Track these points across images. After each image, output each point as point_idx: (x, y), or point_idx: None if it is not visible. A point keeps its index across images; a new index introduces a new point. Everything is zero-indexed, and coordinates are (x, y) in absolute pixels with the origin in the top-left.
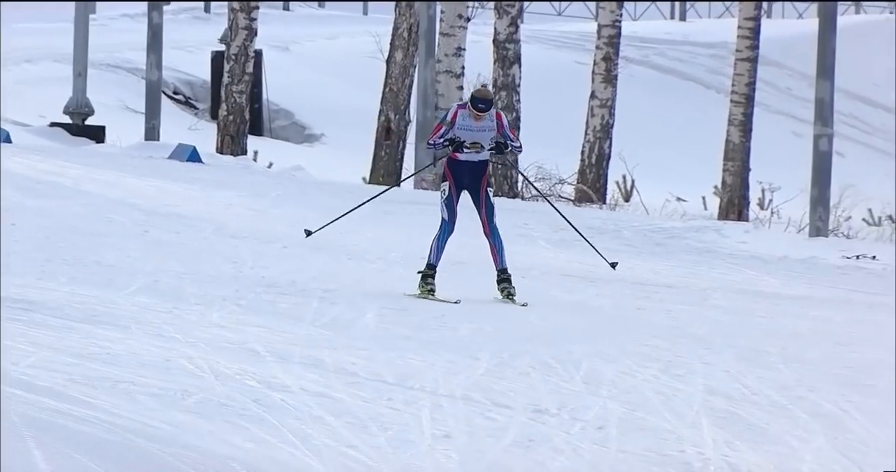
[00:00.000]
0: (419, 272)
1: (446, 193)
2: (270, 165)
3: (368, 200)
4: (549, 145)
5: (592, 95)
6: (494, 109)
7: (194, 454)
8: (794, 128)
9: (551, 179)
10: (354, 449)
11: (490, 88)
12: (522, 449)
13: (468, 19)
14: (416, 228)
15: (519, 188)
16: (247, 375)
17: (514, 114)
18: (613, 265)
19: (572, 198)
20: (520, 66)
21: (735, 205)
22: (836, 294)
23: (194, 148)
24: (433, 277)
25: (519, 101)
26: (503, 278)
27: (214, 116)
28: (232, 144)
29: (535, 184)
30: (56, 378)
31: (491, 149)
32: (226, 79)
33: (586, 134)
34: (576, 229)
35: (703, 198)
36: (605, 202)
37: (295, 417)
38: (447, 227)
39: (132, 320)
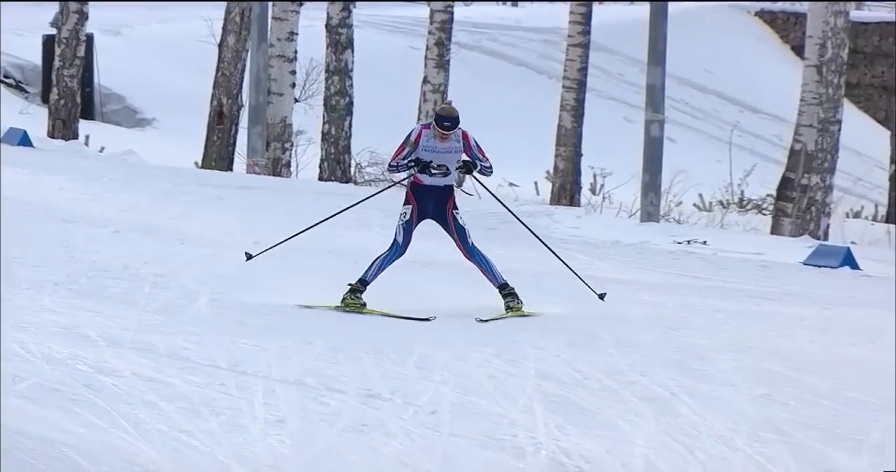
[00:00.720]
0: (349, 284)
1: (406, 216)
2: (102, 149)
3: (356, 204)
4: (382, 130)
5: (425, 80)
6: (460, 128)
7: (25, 439)
8: (625, 113)
9: (384, 163)
10: (186, 434)
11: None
12: (355, 434)
13: (301, 4)
14: (248, 213)
15: (352, 173)
16: (78, 360)
17: (347, 99)
18: (602, 296)
19: (405, 184)
20: (353, 51)
21: (567, 190)
22: (667, 279)
23: (25, 132)
24: (362, 292)
25: (352, 85)
26: (507, 294)
27: (45, 100)
28: (63, 128)
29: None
30: None
31: (458, 168)
32: (57, 63)
33: (419, 119)
34: (560, 258)
35: (536, 183)
36: None
37: (126, 402)
38: (397, 250)
39: None
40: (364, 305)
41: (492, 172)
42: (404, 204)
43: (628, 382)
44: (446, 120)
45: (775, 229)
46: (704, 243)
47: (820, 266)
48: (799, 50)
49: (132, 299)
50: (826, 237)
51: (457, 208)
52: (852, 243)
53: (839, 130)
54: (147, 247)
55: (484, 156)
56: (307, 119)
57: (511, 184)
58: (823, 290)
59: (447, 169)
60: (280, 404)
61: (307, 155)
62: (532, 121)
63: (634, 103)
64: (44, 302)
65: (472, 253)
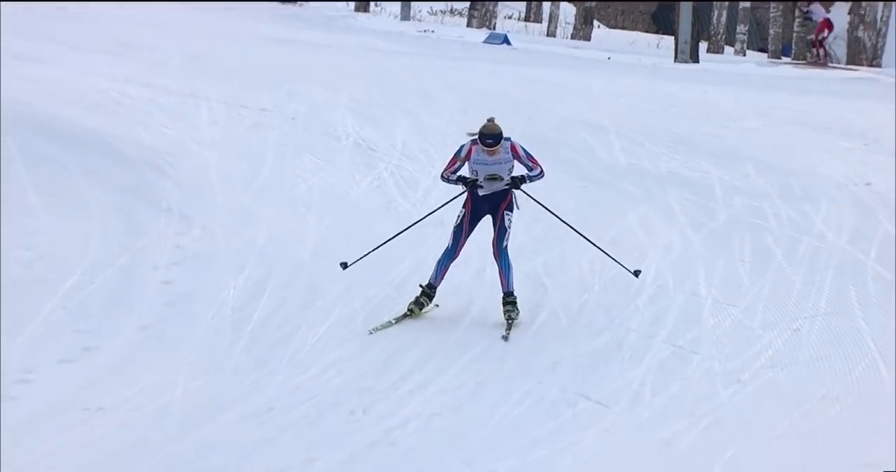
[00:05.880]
0: (420, 285)
1: (459, 220)
2: None
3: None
4: None
5: None
6: (509, 141)
7: None
8: None
9: None
10: None
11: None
12: (255, 128)
13: None
14: None
15: None
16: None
17: None
18: (636, 273)
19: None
20: None
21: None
22: (418, 49)
23: None
24: (429, 296)
25: None
26: (508, 301)
27: None
28: None
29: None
30: None
31: (507, 184)
32: None
33: None
34: (598, 247)
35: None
36: None
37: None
38: (449, 252)
39: None
40: (411, 312)
41: (542, 177)
42: (462, 206)
43: (400, 103)
44: (488, 137)
45: (469, 24)
46: (433, 32)
47: (492, 43)
48: None
49: None
50: (494, 28)
51: (510, 210)
52: (507, 32)
53: None
54: None
55: (535, 163)
56: None
57: None
58: (496, 54)
59: (500, 177)
60: (216, 112)
61: None
62: None
63: None
64: None
65: (501, 254)
